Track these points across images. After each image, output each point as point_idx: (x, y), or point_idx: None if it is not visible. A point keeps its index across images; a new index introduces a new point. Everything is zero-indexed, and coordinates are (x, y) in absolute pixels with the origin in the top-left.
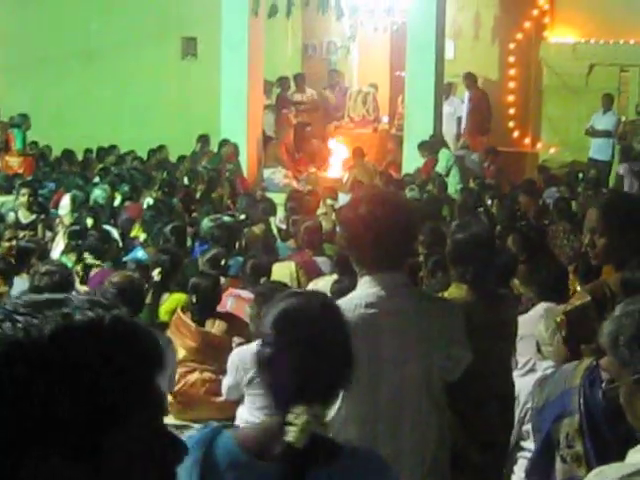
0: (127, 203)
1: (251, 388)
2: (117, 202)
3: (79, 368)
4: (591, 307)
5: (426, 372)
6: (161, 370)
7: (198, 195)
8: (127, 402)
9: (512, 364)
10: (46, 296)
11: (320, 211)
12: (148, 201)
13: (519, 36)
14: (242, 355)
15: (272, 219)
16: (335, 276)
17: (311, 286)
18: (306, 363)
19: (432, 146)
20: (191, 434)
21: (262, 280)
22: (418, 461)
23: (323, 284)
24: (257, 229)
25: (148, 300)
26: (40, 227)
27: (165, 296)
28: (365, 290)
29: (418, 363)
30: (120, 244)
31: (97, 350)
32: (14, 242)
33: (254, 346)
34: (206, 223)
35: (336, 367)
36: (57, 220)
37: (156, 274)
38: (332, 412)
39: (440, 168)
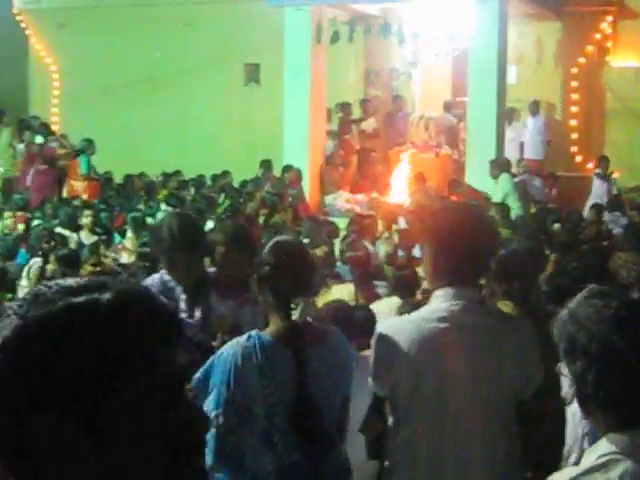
0: None
1: None
2: None
3: (83, 339)
4: None
5: (497, 391)
6: (173, 343)
7: (261, 220)
8: (129, 371)
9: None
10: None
11: (384, 235)
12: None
13: (582, 60)
14: None
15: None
16: (395, 298)
17: (373, 307)
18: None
19: (500, 165)
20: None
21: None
22: None
23: (384, 305)
24: (319, 251)
25: None
26: (102, 248)
27: None
28: (438, 304)
29: (489, 380)
30: None
31: (94, 326)
32: (97, 268)
33: None
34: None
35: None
36: (119, 245)
37: None
38: (401, 428)
39: (498, 192)
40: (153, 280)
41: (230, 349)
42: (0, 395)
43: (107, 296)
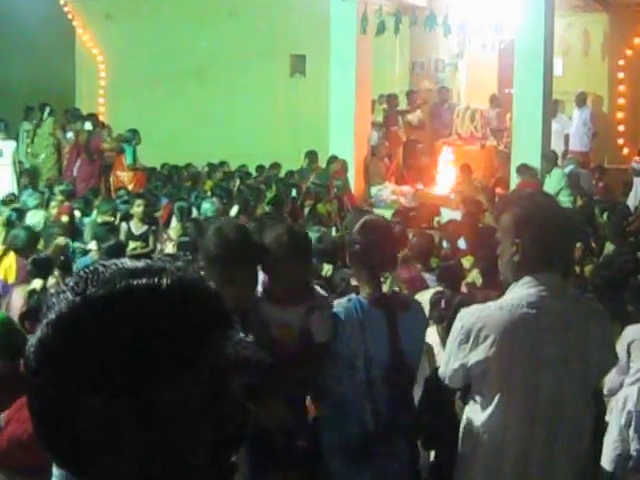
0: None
1: None
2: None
3: (140, 322)
4: None
5: (584, 374)
6: (224, 332)
7: (306, 210)
8: (183, 356)
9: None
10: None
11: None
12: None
13: (629, 52)
14: None
15: None
16: (439, 288)
17: (417, 297)
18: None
19: (551, 160)
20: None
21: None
22: (570, 471)
23: (426, 296)
24: None
25: None
26: (151, 238)
27: None
28: (525, 290)
29: (578, 364)
30: None
31: (153, 309)
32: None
33: None
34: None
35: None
36: (164, 235)
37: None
38: (488, 413)
39: (550, 188)
40: None
41: (335, 308)
42: (52, 373)
43: (167, 281)
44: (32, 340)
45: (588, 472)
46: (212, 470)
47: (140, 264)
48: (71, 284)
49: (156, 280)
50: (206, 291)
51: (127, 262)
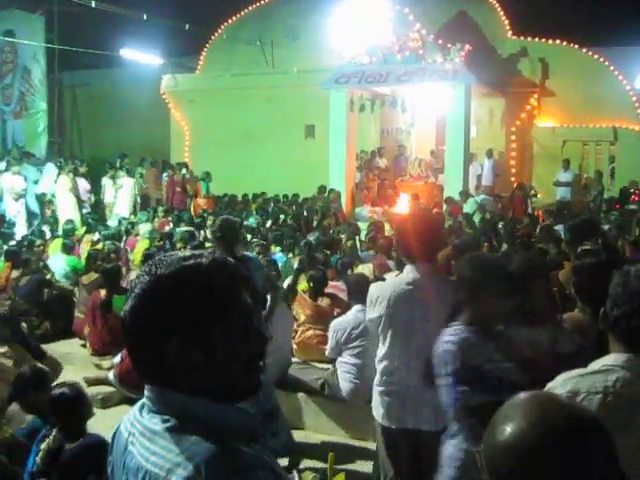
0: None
1: (347, 343)
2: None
3: (193, 287)
4: None
5: (441, 326)
6: (247, 289)
7: (314, 223)
8: (225, 307)
9: None
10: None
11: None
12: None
13: (518, 123)
14: (339, 322)
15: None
16: (397, 272)
17: (386, 276)
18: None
19: (466, 194)
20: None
21: (348, 272)
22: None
23: (390, 276)
24: (349, 243)
25: (291, 281)
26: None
27: (301, 279)
28: (407, 274)
29: (439, 320)
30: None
31: (199, 277)
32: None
33: (348, 314)
34: (314, 238)
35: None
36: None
37: (297, 263)
38: (380, 350)
39: (467, 209)
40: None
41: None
42: (142, 328)
43: (205, 260)
44: (125, 308)
45: None
46: (247, 373)
47: (188, 253)
48: (146, 269)
49: (198, 260)
50: (229, 263)
51: (180, 252)
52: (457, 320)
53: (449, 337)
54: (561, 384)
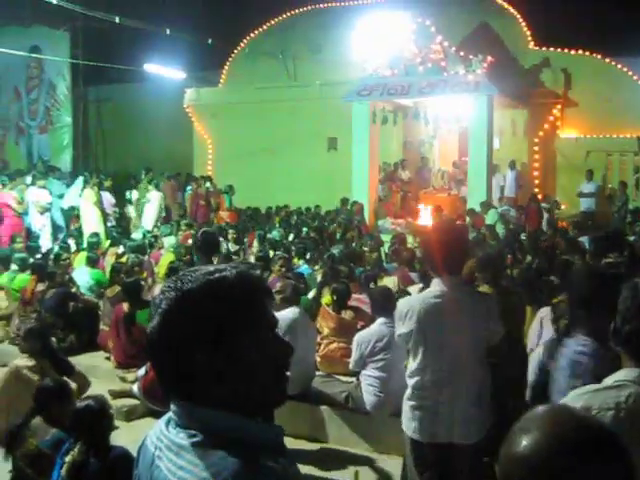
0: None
1: (371, 356)
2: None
3: (219, 300)
4: None
5: (474, 338)
6: (270, 299)
7: (337, 236)
8: (251, 319)
9: None
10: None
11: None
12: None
13: (540, 133)
14: (363, 335)
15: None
16: (421, 284)
17: (411, 289)
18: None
19: (487, 205)
20: None
21: (371, 285)
22: (471, 396)
23: (414, 288)
24: (373, 255)
25: (315, 294)
26: (241, 253)
27: (325, 292)
28: (434, 287)
29: (469, 333)
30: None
31: (224, 291)
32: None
33: (372, 327)
34: (337, 251)
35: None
36: (249, 251)
37: (320, 276)
38: (411, 365)
39: (490, 220)
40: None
41: None
42: (171, 343)
43: (230, 274)
44: (150, 325)
45: (484, 401)
46: (274, 384)
47: (212, 268)
48: (171, 284)
49: (224, 274)
50: (254, 275)
51: (204, 267)
52: (576, 332)
53: (579, 347)
54: (573, 400)
